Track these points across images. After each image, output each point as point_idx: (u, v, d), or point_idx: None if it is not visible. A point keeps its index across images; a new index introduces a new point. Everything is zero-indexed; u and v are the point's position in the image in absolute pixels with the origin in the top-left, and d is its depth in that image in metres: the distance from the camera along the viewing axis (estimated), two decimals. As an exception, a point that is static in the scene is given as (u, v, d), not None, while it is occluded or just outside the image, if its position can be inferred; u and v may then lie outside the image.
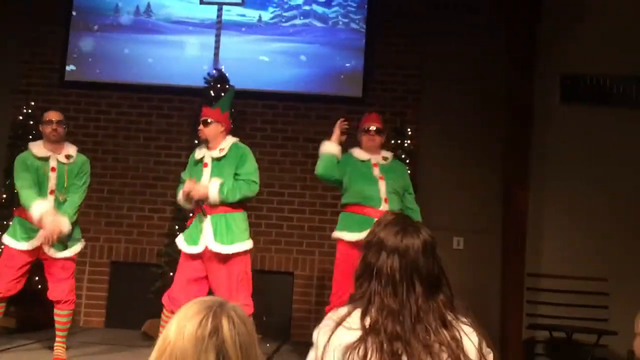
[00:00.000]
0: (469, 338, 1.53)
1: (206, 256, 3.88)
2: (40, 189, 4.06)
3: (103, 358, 4.59)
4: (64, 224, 3.98)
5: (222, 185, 3.84)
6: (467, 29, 6.03)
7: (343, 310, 1.58)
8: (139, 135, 6.14)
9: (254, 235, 5.89)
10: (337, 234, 4.29)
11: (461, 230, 5.97)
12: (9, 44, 6.19)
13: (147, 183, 6.07)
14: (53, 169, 4.11)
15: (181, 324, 1.18)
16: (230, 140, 4.00)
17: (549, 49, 5.99)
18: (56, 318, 4.16)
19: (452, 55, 6.09)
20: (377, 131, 4.38)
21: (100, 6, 6.24)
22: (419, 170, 5.83)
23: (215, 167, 3.94)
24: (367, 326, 1.51)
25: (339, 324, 1.53)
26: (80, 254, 4.42)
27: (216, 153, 3.95)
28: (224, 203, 3.86)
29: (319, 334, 1.56)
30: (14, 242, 4.09)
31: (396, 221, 1.65)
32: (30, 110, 5.73)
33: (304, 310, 5.87)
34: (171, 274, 5.12)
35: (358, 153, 4.40)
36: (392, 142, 5.61)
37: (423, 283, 1.55)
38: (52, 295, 4.16)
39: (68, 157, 4.18)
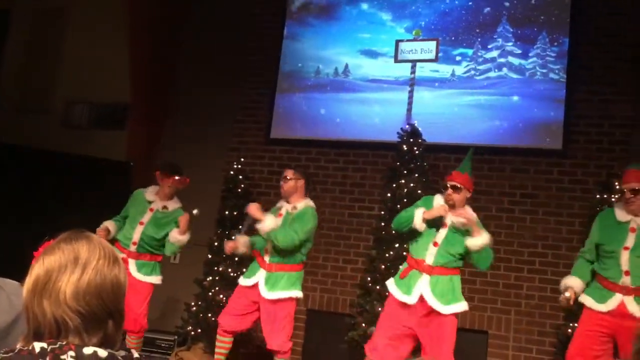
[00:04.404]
0: None
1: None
2: None
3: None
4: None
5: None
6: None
7: None
8: (335, 188, 6.42)
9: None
10: (583, 297, 4.04)
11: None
12: (226, 107, 6.89)
13: (342, 235, 6.28)
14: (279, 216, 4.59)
15: None
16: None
17: None
18: None
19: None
20: (634, 192, 3.90)
21: (303, 69, 6.74)
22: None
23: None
24: None
25: None
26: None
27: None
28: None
29: None
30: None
31: None
32: (240, 166, 6.30)
33: (499, 372, 5.59)
34: (363, 325, 5.23)
35: (618, 211, 4.02)
36: (598, 196, 5.23)
37: None
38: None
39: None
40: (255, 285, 4.49)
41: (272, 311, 4.47)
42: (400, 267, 4.31)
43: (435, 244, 4.07)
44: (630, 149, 5.66)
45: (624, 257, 3.89)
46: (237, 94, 6.86)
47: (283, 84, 6.77)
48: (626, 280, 3.84)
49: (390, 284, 4.19)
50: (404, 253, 5.03)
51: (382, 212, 5.64)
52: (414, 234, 4.18)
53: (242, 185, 6.22)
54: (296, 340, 6.16)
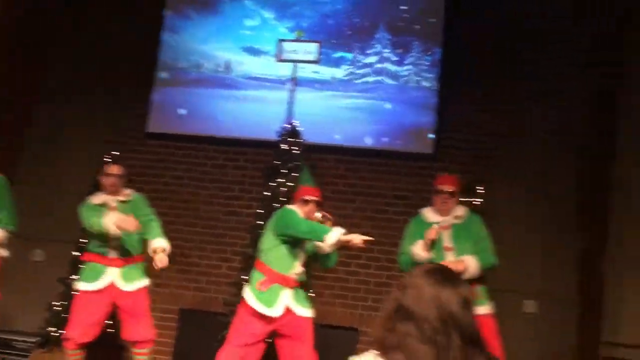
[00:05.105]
0: None
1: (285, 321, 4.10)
2: None
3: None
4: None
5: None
6: (546, 88, 5.96)
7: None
8: (212, 185, 6.33)
9: (319, 288, 5.90)
10: None
11: (532, 294, 5.74)
12: (102, 97, 6.58)
13: (217, 233, 6.21)
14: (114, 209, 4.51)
15: None
16: None
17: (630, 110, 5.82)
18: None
19: (527, 112, 6.01)
20: (450, 194, 4.29)
21: (182, 63, 6.58)
22: (489, 230, 5.69)
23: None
24: None
25: None
26: (151, 300, 4.61)
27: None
28: None
29: None
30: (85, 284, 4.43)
31: (435, 270, 1.62)
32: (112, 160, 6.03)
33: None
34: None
35: (429, 214, 4.32)
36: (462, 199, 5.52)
37: (462, 337, 1.48)
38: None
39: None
40: (109, 286, 4.42)
41: (133, 303, 4.49)
42: (253, 275, 4.25)
43: (303, 264, 4.17)
44: (494, 155, 6.05)
45: (449, 258, 4.15)
46: (115, 85, 6.59)
47: (162, 77, 6.58)
48: None
49: (250, 297, 4.13)
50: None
51: (261, 211, 5.62)
52: (276, 245, 4.15)
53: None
54: (167, 340, 6.01)
